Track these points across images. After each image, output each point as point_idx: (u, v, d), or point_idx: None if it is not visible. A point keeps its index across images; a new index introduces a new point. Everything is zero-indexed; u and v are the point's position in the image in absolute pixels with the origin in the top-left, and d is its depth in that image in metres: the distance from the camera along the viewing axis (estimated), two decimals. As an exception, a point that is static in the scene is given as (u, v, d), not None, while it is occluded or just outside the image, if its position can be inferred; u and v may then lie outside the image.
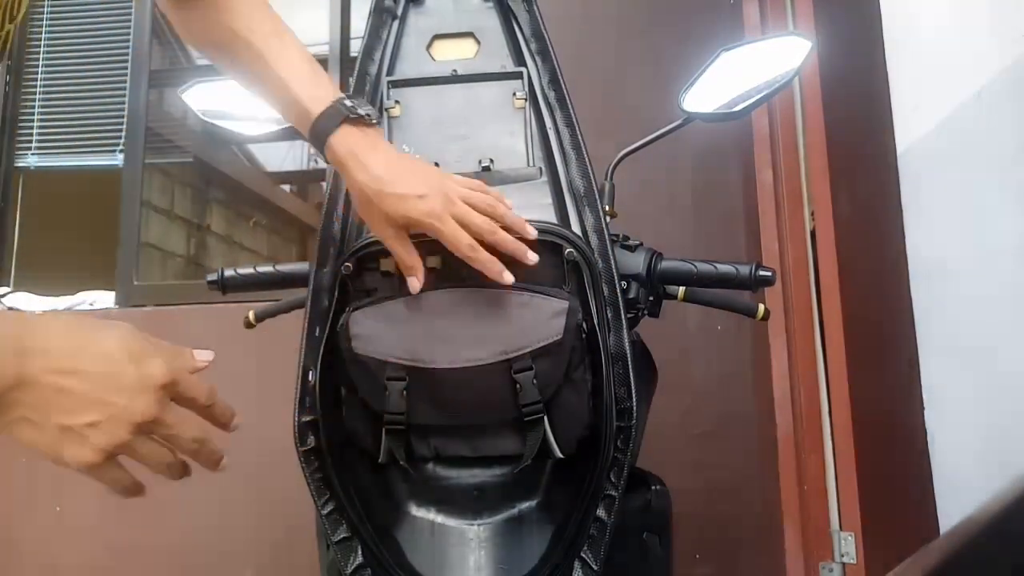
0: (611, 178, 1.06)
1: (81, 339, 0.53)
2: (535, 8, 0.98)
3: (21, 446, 0.51)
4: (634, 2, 2.28)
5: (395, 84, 0.97)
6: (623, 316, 0.86)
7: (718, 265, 0.95)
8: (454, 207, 0.76)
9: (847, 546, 1.71)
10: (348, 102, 0.76)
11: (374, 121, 0.77)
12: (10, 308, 2.37)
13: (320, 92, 0.76)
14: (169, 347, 0.58)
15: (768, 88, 0.97)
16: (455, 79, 0.98)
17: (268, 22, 0.79)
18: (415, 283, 0.80)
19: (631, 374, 0.85)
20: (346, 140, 0.75)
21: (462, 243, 0.76)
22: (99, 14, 2.76)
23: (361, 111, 0.75)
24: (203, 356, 0.64)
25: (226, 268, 1.08)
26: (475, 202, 0.78)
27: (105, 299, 2.42)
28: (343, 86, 2.50)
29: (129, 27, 2.65)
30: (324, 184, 0.97)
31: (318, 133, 0.75)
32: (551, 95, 0.96)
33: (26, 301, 2.46)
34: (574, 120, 0.94)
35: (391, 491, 0.92)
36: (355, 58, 0.98)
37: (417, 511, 0.91)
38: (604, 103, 2.10)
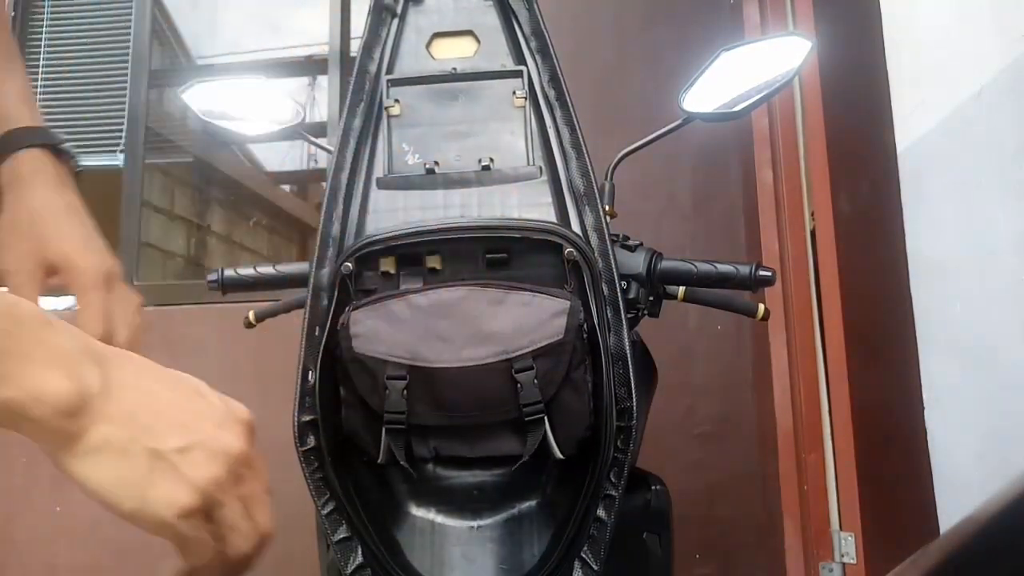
0: (611, 178, 1.06)
1: (158, 368, 0.46)
2: (535, 6, 0.98)
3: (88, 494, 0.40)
4: (634, 2, 2.28)
5: (394, 83, 0.97)
6: (623, 316, 0.86)
7: (718, 265, 0.95)
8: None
9: (847, 546, 1.71)
10: (58, 139, 0.66)
11: (74, 165, 0.68)
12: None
13: (18, 112, 0.66)
14: None
15: (768, 88, 0.97)
16: (455, 77, 0.98)
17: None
18: None
19: (631, 374, 0.85)
20: (16, 169, 0.64)
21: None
22: (99, 14, 2.77)
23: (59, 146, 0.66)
24: None
25: (226, 268, 1.08)
26: None
27: (105, 299, 2.42)
28: (343, 85, 2.49)
29: (129, 27, 2.65)
30: (324, 184, 0.97)
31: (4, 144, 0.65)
32: (551, 94, 0.96)
33: (26, 301, 2.46)
34: (574, 119, 0.94)
35: (391, 491, 0.92)
36: (355, 57, 0.98)
37: (417, 511, 0.91)
38: (604, 103, 2.10)
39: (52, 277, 0.61)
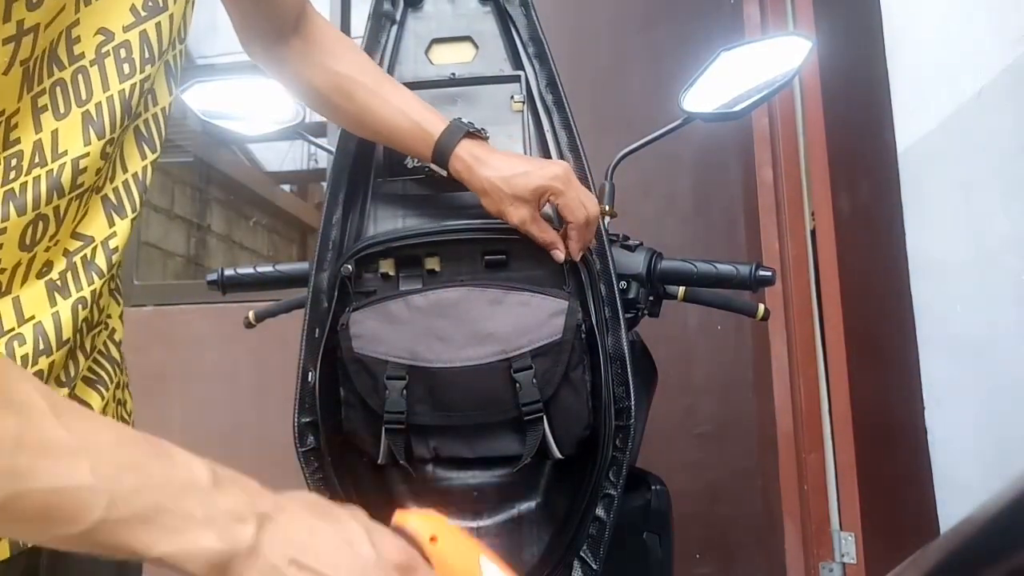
0: (611, 178, 1.06)
1: (318, 517, 0.47)
2: (532, 12, 0.98)
3: None
4: (633, 2, 2.29)
5: (394, 86, 0.97)
6: (621, 316, 0.86)
7: (718, 265, 0.95)
8: (572, 182, 0.85)
9: (847, 546, 1.71)
10: (462, 120, 0.87)
11: (485, 136, 0.87)
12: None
13: (434, 117, 0.86)
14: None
15: (768, 88, 0.97)
16: (453, 82, 0.98)
17: (371, 64, 0.90)
18: (559, 255, 0.86)
19: (629, 373, 0.85)
20: (468, 149, 0.84)
21: (578, 211, 0.83)
22: (99, 14, 2.76)
23: (475, 127, 0.86)
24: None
25: (226, 268, 1.08)
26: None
27: (105, 299, 2.42)
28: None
29: (129, 27, 2.65)
30: (324, 184, 0.97)
31: (442, 148, 0.84)
32: (549, 98, 0.96)
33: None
34: (572, 122, 0.95)
35: (391, 491, 0.92)
36: (355, 59, 0.98)
37: (417, 511, 0.91)
38: (604, 103, 2.10)
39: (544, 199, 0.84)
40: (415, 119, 0.85)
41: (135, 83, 0.55)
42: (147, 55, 0.54)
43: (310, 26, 0.86)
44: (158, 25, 0.52)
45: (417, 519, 0.50)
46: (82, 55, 0.53)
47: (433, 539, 0.49)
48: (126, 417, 0.64)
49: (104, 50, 0.54)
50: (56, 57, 0.52)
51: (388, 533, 0.50)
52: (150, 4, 0.52)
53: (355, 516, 0.50)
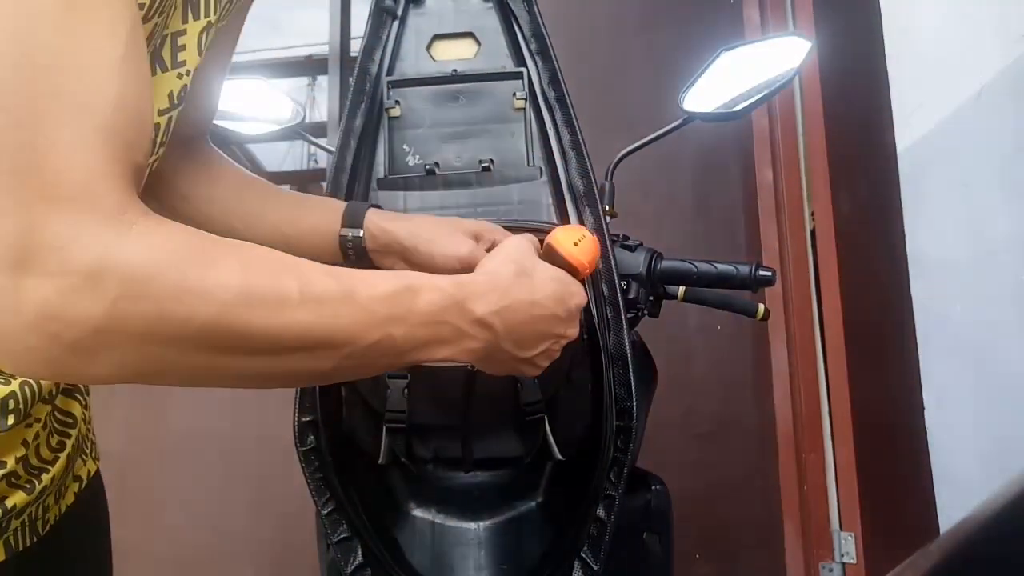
0: (611, 178, 1.06)
1: (523, 287, 0.61)
2: (535, 9, 0.98)
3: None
4: (634, 2, 2.29)
5: (395, 84, 0.97)
6: (623, 316, 0.86)
7: (718, 265, 0.95)
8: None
9: (847, 546, 1.71)
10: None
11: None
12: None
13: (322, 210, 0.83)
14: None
15: (768, 88, 0.97)
16: (455, 79, 0.98)
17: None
18: None
19: (631, 374, 0.85)
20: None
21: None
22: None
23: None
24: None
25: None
26: None
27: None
28: (343, 85, 2.50)
29: (129, 27, 2.65)
30: (324, 184, 0.97)
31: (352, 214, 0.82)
32: (551, 95, 0.96)
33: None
34: (574, 120, 0.94)
35: (391, 491, 0.92)
36: (355, 58, 0.98)
37: (417, 511, 0.91)
38: (604, 103, 2.10)
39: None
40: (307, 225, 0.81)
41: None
42: (164, 141, 0.58)
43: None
44: (170, 118, 0.55)
45: (565, 239, 0.68)
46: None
47: (576, 244, 0.68)
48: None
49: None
50: None
51: (567, 282, 0.66)
52: (182, 94, 0.55)
53: (541, 283, 0.63)
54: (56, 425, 0.59)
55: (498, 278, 0.61)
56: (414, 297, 0.53)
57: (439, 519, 0.91)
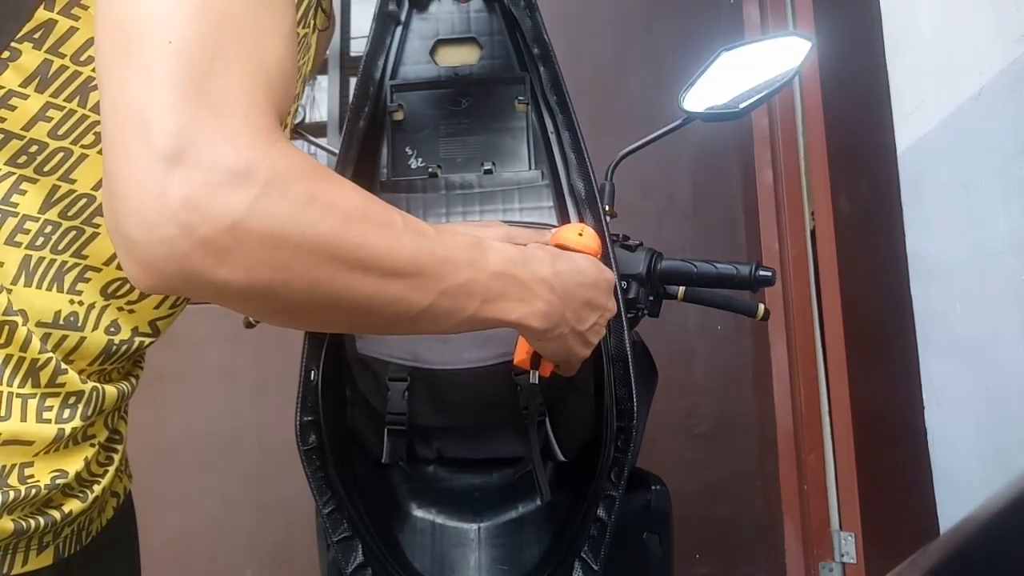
0: (611, 178, 1.06)
1: (566, 259, 0.65)
2: (537, 14, 0.98)
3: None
4: (634, 2, 2.29)
5: (398, 88, 0.98)
6: (623, 316, 0.86)
7: (718, 265, 0.95)
8: None
9: (847, 546, 1.71)
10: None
11: None
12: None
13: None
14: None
15: (768, 88, 0.97)
16: (458, 83, 0.98)
17: None
18: None
19: (631, 374, 0.85)
20: None
21: None
22: (99, 14, 2.76)
23: None
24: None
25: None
26: None
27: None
28: (343, 85, 2.50)
29: (129, 27, 2.65)
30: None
31: None
32: (552, 99, 0.96)
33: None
34: (575, 123, 0.94)
35: (392, 491, 0.92)
36: (356, 58, 0.99)
37: (418, 511, 0.92)
38: (604, 103, 2.10)
39: None
40: None
41: None
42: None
43: None
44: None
45: (569, 233, 0.72)
46: None
47: (580, 234, 0.72)
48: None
49: None
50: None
51: (595, 260, 0.70)
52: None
53: (579, 258, 0.67)
54: (105, 443, 0.61)
55: (542, 248, 0.65)
56: (486, 249, 0.56)
57: (440, 519, 0.91)
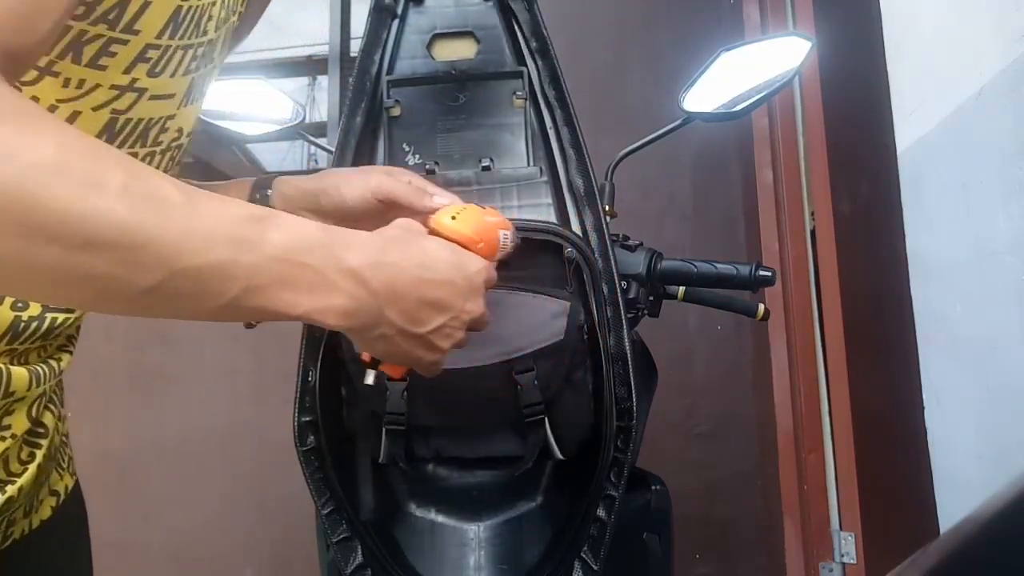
0: (611, 178, 1.06)
1: (412, 248, 0.56)
2: (535, 8, 0.98)
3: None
4: (634, 2, 2.29)
5: (395, 83, 0.97)
6: (623, 316, 0.86)
7: (718, 265, 0.95)
8: None
9: (847, 546, 1.71)
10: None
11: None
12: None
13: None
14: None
15: (768, 88, 0.97)
16: (455, 78, 0.98)
17: None
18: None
19: (631, 374, 0.85)
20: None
21: None
22: (99, 14, 2.77)
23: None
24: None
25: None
26: None
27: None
28: (343, 85, 2.50)
29: (129, 27, 2.65)
30: (324, 184, 0.97)
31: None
32: (551, 94, 0.96)
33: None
34: (574, 119, 0.94)
35: (391, 491, 0.92)
36: (355, 58, 0.98)
37: (417, 511, 0.91)
38: (604, 103, 2.10)
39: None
40: None
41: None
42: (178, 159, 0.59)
43: None
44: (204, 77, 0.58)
45: (442, 216, 0.64)
46: (159, 143, 0.57)
47: (454, 217, 0.63)
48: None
49: (174, 145, 0.59)
50: (146, 135, 0.56)
51: (460, 252, 0.61)
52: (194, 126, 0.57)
53: (433, 248, 0.58)
54: (27, 436, 0.56)
55: (381, 234, 0.55)
56: (270, 227, 0.47)
57: (439, 519, 0.91)
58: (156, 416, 2.19)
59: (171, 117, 0.56)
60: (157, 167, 0.57)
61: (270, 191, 0.75)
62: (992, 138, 1.22)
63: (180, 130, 0.59)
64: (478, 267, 0.61)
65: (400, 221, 0.59)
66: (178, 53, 0.52)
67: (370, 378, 0.64)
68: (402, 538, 0.90)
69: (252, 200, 0.73)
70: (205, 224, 0.44)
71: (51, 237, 0.38)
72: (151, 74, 0.51)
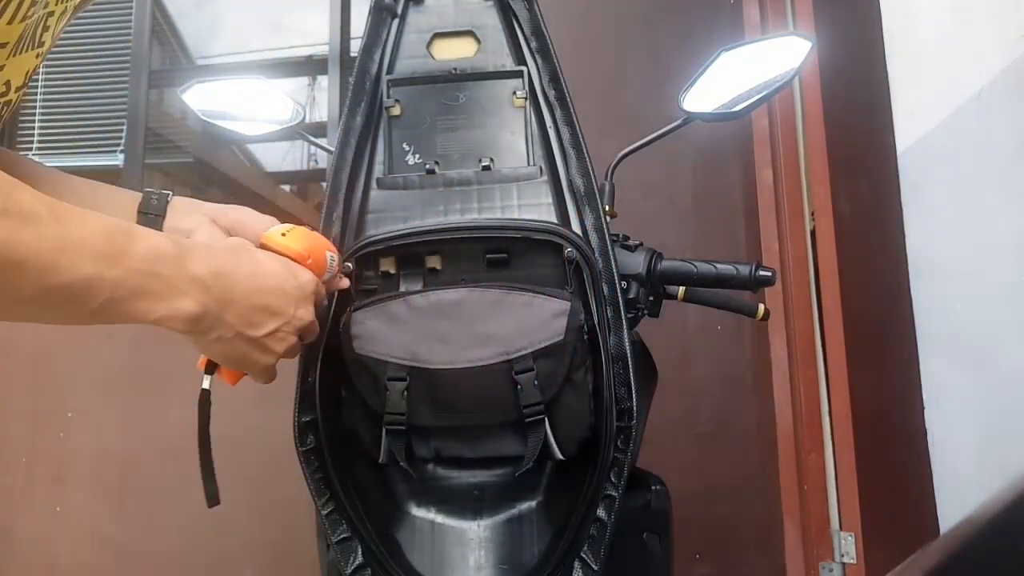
0: (611, 178, 1.06)
1: (245, 259, 0.62)
2: (535, 7, 0.98)
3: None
4: (634, 1, 2.28)
5: (395, 83, 0.97)
6: (623, 316, 0.86)
7: (718, 265, 0.95)
8: None
9: (847, 546, 1.71)
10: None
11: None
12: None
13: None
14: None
15: (768, 88, 0.97)
16: (455, 78, 0.97)
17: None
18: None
19: (631, 374, 0.85)
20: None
21: None
22: (99, 14, 2.77)
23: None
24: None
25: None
26: None
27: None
28: (343, 85, 2.49)
29: (129, 27, 2.65)
30: (324, 184, 0.97)
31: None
32: (551, 94, 0.96)
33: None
34: (574, 119, 0.94)
35: (391, 491, 0.92)
36: (355, 58, 0.98)
37: (417, 511, 0.91)
38: (604, 102, 2.10)
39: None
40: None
41: None
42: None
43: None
44: (20, 96, 0.59)
45: (273, 232, 0.70)
46: None
47: (284, 235, 0.69)
48: None
49: (2, 101, 0.58)
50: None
51: (290, 264, 0.67)
52: (34, 75, 0.58)
53: (264, 258, 0.65)
54: None
55: (218, 246, 0.61)
56: (130, 240, 0.51)
57: (439, 519, 0.91)
58: (156, 416, 2.19)
59: (0, 68, 0.55)
60: None
61: (170, 197, 0.77)
62: (992, 138, 1.22)
63: (8, 83, 0.57)
64: (308, 278, 0.67)
65: (232, 238, 0.66)
66: None
67: (206, 383, 0.71)
68: (402, 538, 0.90)
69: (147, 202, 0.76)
70: (72, 242, 0.47)
71: None
72: None
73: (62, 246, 0.46)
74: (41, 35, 0.57)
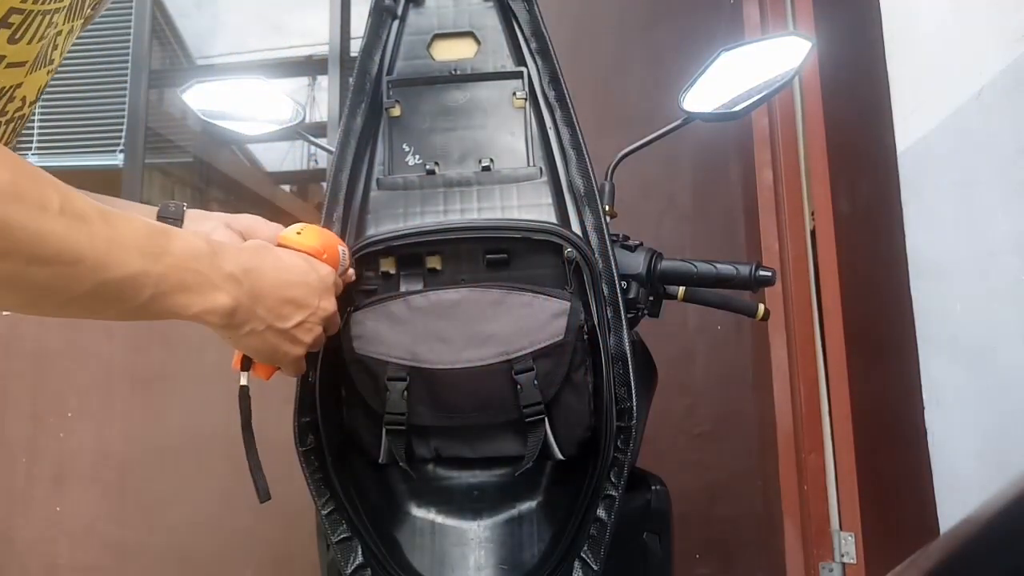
0: (611, 178, 1.06)
1: (269, 256, 0.66)
2: (535, 8, 0.98)
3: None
4: (634, 2, 2.29)
5: (395, 84, 0.97)
6: (623, 316, 0.86)
7: (718, 265, 0.95)
8: None
9: (847, 546, 1.71)
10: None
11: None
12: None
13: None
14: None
15: (768, 88, 0.97)
16: (455, 79, 0.98)
17: None
18: None
19: (631, 374, 0.85)
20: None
21: None
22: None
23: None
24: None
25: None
26: None
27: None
28: (343, 85, 2.50)
29: (129, 27, 2.65)
30: (324, 184, 0.97)
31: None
32: (551, 94, 0.96)
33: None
34: (574, 119, 0.94)
35: (391, 491, 0.92)
36: (355, 58, 0.98)
37: (417, 511, 0.91)
38: (604, 103, 2.10)
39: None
40: None
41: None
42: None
43: None
44: (33, 111, 0.60)
45: (289, 232, 0.74)
46: (5, 112, 0.58)
47: (299, 233, 0.74)
48: None
49: (18, 115, 0.60)
50: None
51: (310, 259, 0.71)
52: (43, 91, 0.59)
53: (286, 255, 0.69)
54: None
55: (243, 245, 0.65)
56: (169, 239, 0.55)
57: (439, 519, 0.91)
58: (156, 416, 2.19)
59: (19, 85, 0.57)
60: None
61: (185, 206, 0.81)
62: (992, 138, 1.22)
63: (24, 99, 0.59)
64: (327, 271, 0.71)
65: (252, 240, 0.69)
66: (38, 18, 0.53)
67: (243, 379, 0.74)
68: (402, 538, 0.90)
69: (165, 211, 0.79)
70: (120, 240, 0.51)
71: (7, 253, 0.44)
72: (11, 40, 0.52)
73: (113, 244, 0.50)
74: (51, 53, 0.59)
